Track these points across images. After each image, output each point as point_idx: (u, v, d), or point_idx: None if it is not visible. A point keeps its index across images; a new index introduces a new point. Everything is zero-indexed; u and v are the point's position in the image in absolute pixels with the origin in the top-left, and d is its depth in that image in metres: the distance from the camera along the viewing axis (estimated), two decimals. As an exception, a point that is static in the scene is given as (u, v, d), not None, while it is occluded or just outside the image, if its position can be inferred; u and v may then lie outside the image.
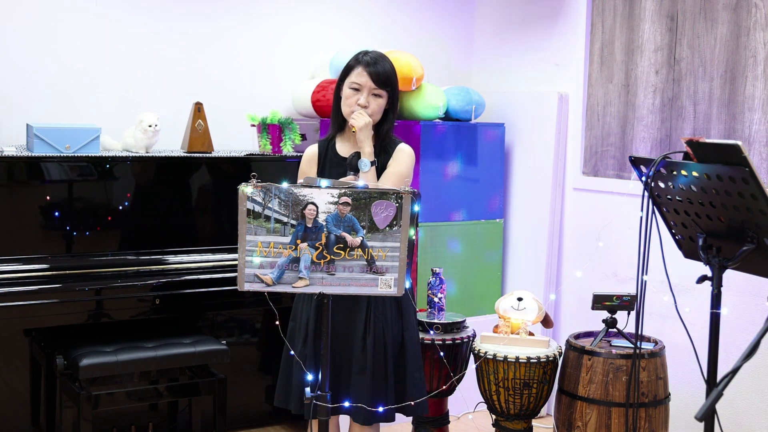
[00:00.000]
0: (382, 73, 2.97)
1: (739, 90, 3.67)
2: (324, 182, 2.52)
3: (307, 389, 2.67)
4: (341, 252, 2.50)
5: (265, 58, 4.53)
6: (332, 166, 3.04)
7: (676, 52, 3.93)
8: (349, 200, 2.48)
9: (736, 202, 2.53)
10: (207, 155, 3.99)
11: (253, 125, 4.22)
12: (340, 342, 2.95)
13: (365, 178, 2.90)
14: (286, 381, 3.06)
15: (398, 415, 4.20)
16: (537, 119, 4.58)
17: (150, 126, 3.84)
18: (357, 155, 2.95)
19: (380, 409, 2.94)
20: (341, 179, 2.89)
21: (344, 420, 3.20)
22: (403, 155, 3.04)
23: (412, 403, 3.01)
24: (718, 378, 2.36)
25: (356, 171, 2.93)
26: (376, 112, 2.99)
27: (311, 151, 3.11)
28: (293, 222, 2.48)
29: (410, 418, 3.76)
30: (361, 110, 2.95)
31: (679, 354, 3.67)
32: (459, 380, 3.60)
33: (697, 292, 3.49)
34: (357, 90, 2.97)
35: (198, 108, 4.01)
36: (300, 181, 2.58)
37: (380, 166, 3.01)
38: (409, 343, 3.04)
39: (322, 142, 3.12)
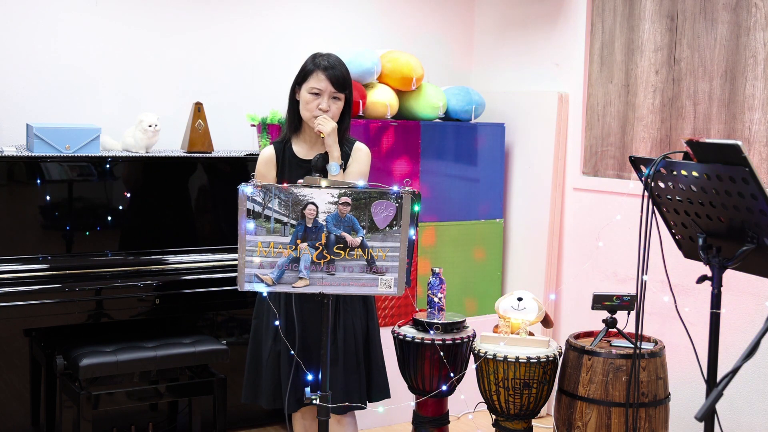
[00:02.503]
0: (340, 77, 3.01)
1: (739, 90, 3.67)
2: (324, 182, 2.53)
3: (307, 389, 2.67)
4: (341, 252, 2.50)
5: (265, 58, 4.53)
6: (292, 167, 3.07)
7: (676, 52, 3.93)
8: (349, 200, 2.48)
9: (736, 202, 2.53)
10: (207, 155, 3.99)
11: (253, 125, 4.22)
12: (310, 335, 2.98)
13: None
14: (254, 377, 3.11)
15: (394, 415, 4.21)
16: (537, 119, 4.58)
17: (150, 126, 3.84)
18: (321, 157, 2.97)
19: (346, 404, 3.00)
20: (307, 178, 2.91)
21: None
22: (362, 154, 3.11)
23: (411, 404, 3.02)
24: (718, 378, 2.36)
25: (322, 172, 2.95)
26: (337, 115, 3.04)
27: (268, 153, 3.12)
28: (293, 222, 2.48)
29: (410, 418, 3.76)
30: (325, 115, 2.99)
31: (679, 354, 3.67)
32: (459, 380, 3.60)
33: (697, 292, 3.49)
34: (317, 95, 3.00)
35: (198, 108, 4.01)
36: (300, 181, 2.58)
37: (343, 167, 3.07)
38: (373, 333, 3.14)
39: (278, 144, 3.14)
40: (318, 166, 2.96)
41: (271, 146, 3.14)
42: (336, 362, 3.01)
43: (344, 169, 3.05)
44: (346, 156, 3.07)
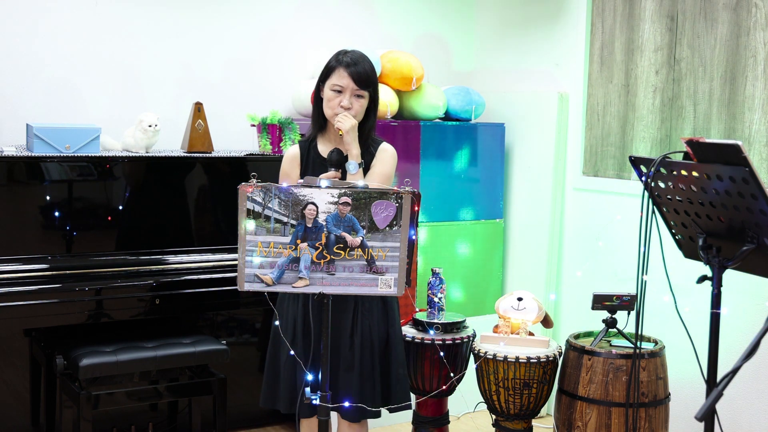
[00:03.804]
0: (363, 74, 2.95)
1: (739, 90, 3.67)
2: (324, 182, 2.52)
3: (307, 389, 2.67)
4: (341, 252, 2.50)
5: (264, 58, 4.54)
6: (315, 166, 3.02)
7: (676, 52, 3.93)
8: (349, 200, 2.48)
9: (736, 202, 2.53)
10: (207, 155, 3.99)
11: (253, 125, 4.22)
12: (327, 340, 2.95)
13: (353, 180, 2.89)
14: (273, 381, 3.05)
15: (394, 415, 4.20)
16: (537, 119, 4.58)
17: (150, 126, 3.84)
18: (335, 151, 2.94)
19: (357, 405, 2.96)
20: (323, 176, 2.90)
21: (333, 417, 3.21)
22: (386, 155, 3.04)
23: (413, 405, 3.02)
24: (718, 378, 2.36)
25: (336, 167, 2.93)
26: (359, 112, 2.98)
27: (293, 152, 3.08)
28: (293, 222, 2.48)
29: (410, 418, 3.76)
30: (345, 113, 2.94)
31: (679, 354, 3.67)
32: (459, 380, 3.60)
33: (697, 292, 3.48)
34: (339, 92, 2.95)
35: (198, 108, 4.01)
36: (300, 181, 2.58)
37: (364, 167, 3.00)
38: (394, 340, 3.06)
39: (303, 142, 3.09)
40: (332, 161, 2.93)
41: (297, 145, 3.10)
42: (352, 368, 2.95)
43: (366, 169, 2.99)
44: (371, 156, 3.02)
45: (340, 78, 2.95)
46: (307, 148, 3.07)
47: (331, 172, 2.91)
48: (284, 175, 3.07)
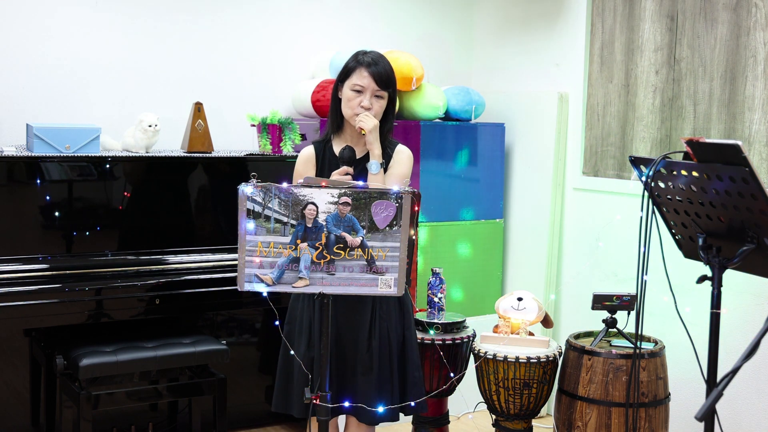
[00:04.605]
0: (384, 74, 2.94)
1: (739, 90, 3.67)
2: (323, 182, 2.52)
3: (307, 389, 2.66)
4: (341, 252, 2.50)
5: (264, 58, 4.54)
6: (331, 167, 3.00)
7: (676, 52, 3.93)
8: (349, 200, 2.48)
9: (736, 202, 2.53)
10: (207, 155, 3.99)
11: (253, 125, 4.22)
12: (345, 343, 2.94)
13: (374, 180, 2.89)
14: (285, 385, 3.01)
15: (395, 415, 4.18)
16: (537, 119, 4.58)
17: (150, 126, 3.84)
18: (347, 148, 2.94)
19: (380, 408, 2.93)
20: (335, 172, 2.89)
21: (340, 419, 3.20)
22: (403, 156, 3.03)
23: (413, 404, 3.01)
24: (718, 378, 2.37)
25: (348, 164, 2.92)
26: (379, 113, 2.97)
27: (307, 153, 3.06)
28: (293, 222, 2.48)
29: (410, 418, 3.76)
30: (366, 112, 2.93)
31: (679, 354, 3.67)
32: (459, 380, 3.60)
33: (697, 292, 3.49)
34: (359, 92, 2.94)
35: (198, 108, 4.01)
36: (300, 181, 2.58)
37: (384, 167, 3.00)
38: (409, 342, 3.03)
39: (318, 143, 3.07)
40: (344, 158, 2.92)
41: (311, 145, 3.07)
42: (370, 371, 2.93)
43: (385, 171, 2.98)
44: (388, 158, 3.00)
45: (361, 78, 2.94)
46: (323, 148, 3.05)
47: (343, 168, 2.91)
48: (298, 177, 3.03)
